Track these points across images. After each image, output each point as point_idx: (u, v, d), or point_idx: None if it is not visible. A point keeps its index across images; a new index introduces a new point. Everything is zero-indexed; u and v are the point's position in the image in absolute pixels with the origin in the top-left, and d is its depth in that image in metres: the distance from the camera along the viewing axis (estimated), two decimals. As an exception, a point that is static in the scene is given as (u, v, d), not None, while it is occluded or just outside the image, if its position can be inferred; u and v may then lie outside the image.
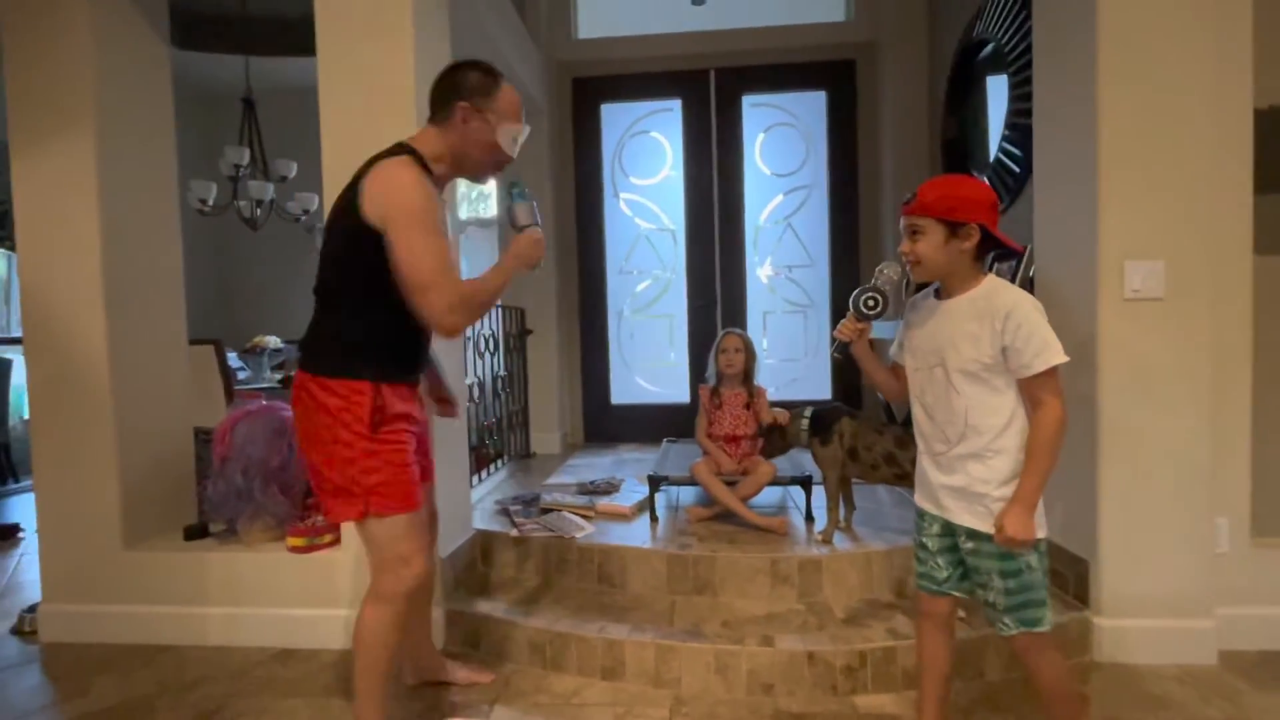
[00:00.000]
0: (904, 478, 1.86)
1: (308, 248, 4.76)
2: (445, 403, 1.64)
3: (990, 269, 2.40)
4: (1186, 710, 1.50)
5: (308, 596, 1.90)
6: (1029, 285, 2.03)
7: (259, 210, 4.03)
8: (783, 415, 2.13)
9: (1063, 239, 1.84)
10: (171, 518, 2.13)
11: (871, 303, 1.28)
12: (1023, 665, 1.21)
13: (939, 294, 1.24)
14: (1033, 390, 1.13)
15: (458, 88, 1.33)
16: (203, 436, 2.22)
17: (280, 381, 3.56)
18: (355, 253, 1.25)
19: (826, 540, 1.96)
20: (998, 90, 2.74)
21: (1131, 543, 1.70)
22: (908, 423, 2.99)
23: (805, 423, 2.03)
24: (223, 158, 3.83)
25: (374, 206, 1.21)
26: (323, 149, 1.83)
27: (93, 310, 1.94)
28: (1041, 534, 1.13)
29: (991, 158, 2.74)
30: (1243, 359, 1.75)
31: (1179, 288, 1.67)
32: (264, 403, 2.16)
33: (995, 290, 1.17)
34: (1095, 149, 1.68)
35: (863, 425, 1.96)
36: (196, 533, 2.06)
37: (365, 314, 1.29)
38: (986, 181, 2.72)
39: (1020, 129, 2.46)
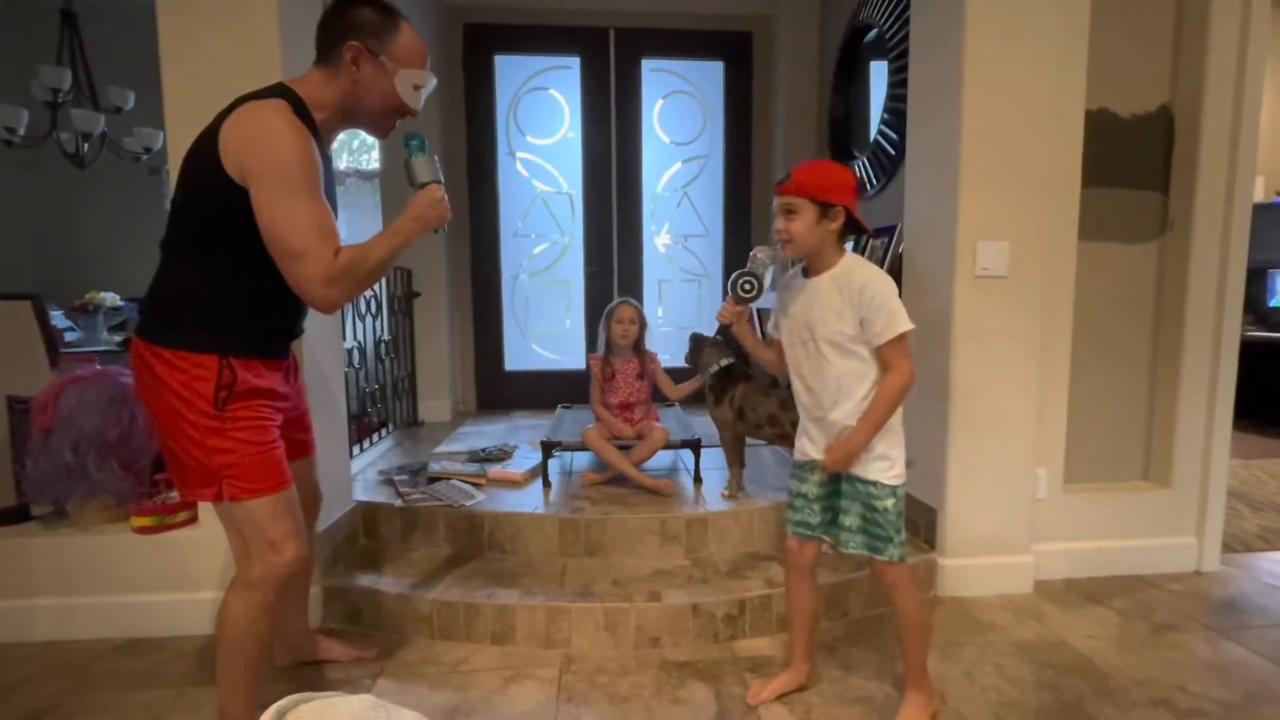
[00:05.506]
0: (785, 437, 2.01)
1: (152, 192, 4.17)
2: None
3: (865, 246, 2.59)
4: (1007, 632, 1.75)
5: (159, 581, 1.72)
6: (898, 261, 2.20)
7: (86, 145, 3.46)
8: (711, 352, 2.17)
9: (927, 220, 2.00)
10: (-20, 500, 1.84)
11: (748, 286, 1.36)
12: (889, 599, 1.36)
13: (806, 272, 1.33)
14: (885, 356, 1.26)
15: (348, 25, 1.17)
16: (19, 406, 1.91)
17: (120, 344, 3.13)
18: (209, 208, 1.09)
19: (732, 496, 2.11)
20: (880, 75, 2.89)
21: (971, 492, 1.94)
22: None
23: (716, 368, 2.11)
24: (36, 79, 3.23)
25: (235, 157, 1.06)
26: (163, 78, 1.58)
27: None
28: (898, 481, 1.28)
29: (871, 139, 2.91)
30: (1064, 331, 2.01)
31: (1019, 267, 1.88)
32: (98, 367, 1.90)
33: (853, 267, 1.28)
34: (958, 140, 1.84)
35: (753, 388, 2.10)
36: (14, 516, 1.80)
37: (217, 278, 1.13)
38: (866, 162, 2.91)
39: (897, 114, 2.63)
